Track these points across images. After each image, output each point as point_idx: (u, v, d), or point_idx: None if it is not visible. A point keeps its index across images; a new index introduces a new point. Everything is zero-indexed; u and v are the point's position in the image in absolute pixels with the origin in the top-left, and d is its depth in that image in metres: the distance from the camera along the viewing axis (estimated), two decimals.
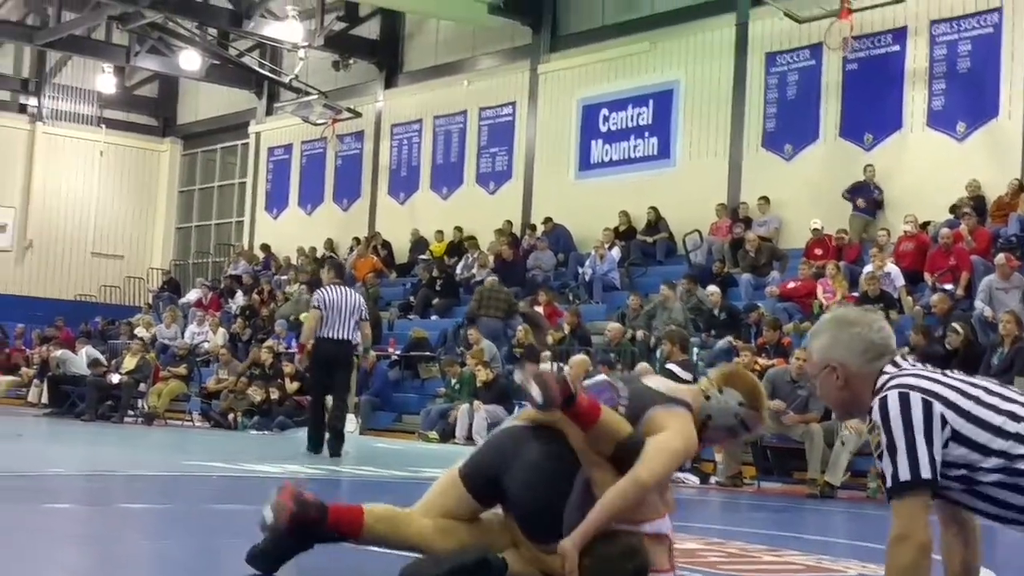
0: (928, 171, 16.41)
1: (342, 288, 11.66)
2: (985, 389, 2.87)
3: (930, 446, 2.69)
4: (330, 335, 11.23)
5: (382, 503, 4.14)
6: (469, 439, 15.00)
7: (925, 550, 2.65)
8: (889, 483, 2.71)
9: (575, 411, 3.84)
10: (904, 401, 2.75)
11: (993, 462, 2.72)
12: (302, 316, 20.40)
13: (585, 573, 3.78)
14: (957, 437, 2.73)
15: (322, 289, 11.62)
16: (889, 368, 2.94)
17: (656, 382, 4.28)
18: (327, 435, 11.36)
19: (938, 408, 2.74)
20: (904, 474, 2.68)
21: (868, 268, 15.01)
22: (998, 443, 2.72)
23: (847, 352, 2.98)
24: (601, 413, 3.89)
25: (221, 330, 21.72)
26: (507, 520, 4.07)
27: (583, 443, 3.93)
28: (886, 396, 2.80)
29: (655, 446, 3.88)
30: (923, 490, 2.67)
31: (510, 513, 4.05)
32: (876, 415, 2.79)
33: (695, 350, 14.95)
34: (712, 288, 16.05)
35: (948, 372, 2.96)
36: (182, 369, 19.96)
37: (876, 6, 16.69)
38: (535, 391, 3.84)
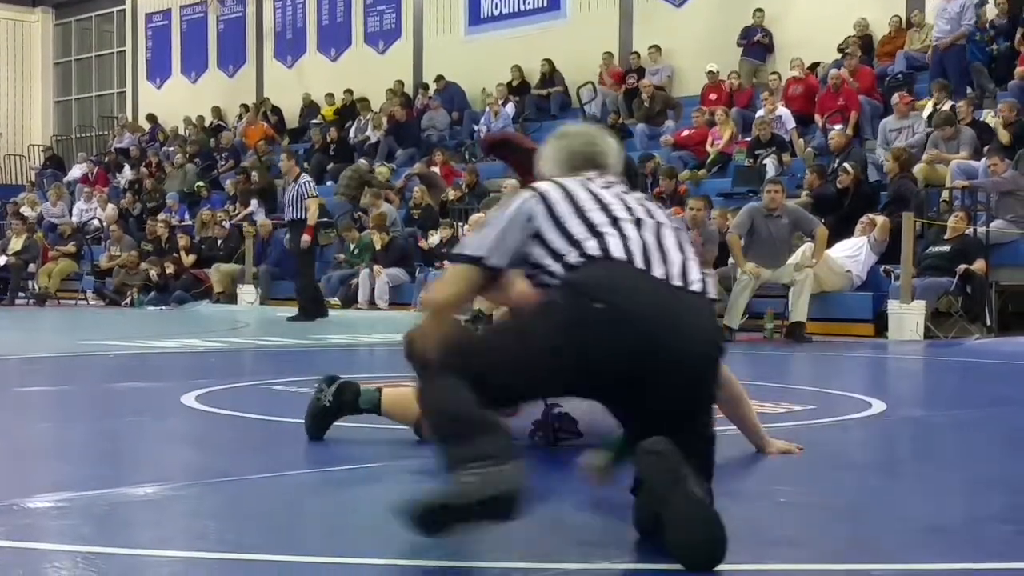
0: (816, 12, 16.43)
1: None
2: (600, 203, 2.82)
3: (500, 235, 2.79)
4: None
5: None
6: (372, 304, 14.97)
7: (428, 303, 2.83)
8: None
9: None
10: (515, 197, 2.85)
11: (555, 267, 2.75)
12: (195, 183, 20.05)
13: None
14: (538, 237, 2.77)
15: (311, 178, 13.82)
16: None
17: None
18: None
19: (531, 205, 2.80)
20: (458, 247, 2.86)
21: (760, 112, 15.11)
22: (559, 244, 2.74)
23: (553, 163, 3.05)
24: None
25: (110, 206, 21.17)
26: None
27: None
28: None
29: None
30: (464, 264, 2.79)
31: None
32: None
33: None
34: None
35: (599, 185, 2.90)
36: (71, 247, 19.48)
37: None
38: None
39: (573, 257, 2.69)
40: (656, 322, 2.59)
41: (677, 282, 2.69)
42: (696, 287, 2.72)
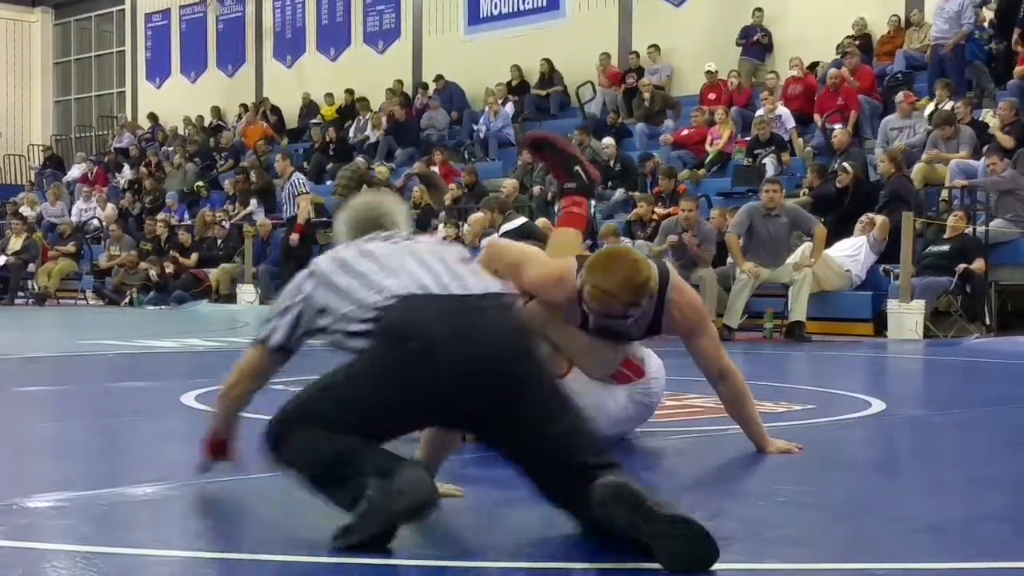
0: (815, 12, 16.43)
1: None
2: (373, 255, 2.94)
3: (282, 316, 3.01)
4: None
5: None
6: None
7: (218, 402, 3.20)
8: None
9: None
10: (297, 277, 3.05)
11: (353, 327, 2.84)
12: (195, 183, 20.02)
13: None
14: (325, 310, 2.91)
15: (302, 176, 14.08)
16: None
17: None
18: None
19: (308, 285, 2.98)
20: (256, 332, 3.07)
21: (759, 112, 15.10)
22: (344, 306, 2.85)
23: (345, 233, 3.29)
24: None
25: (110, 205, 21.17)
26: None
27: None
28: None
29: None
30: (258, 347, 3.06)
31: None
32: None
33: (592, 202, 14.99)
34: (607, 140, 16.03)
35: (379, 240, 3.03)
36: (71, 247, 19.47)
37: None
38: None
39: (365, 311, 2.80)
40: (463, 339, 2.71)
41: (472, 291, 2.82)
42: (490, 289, 2.87)
